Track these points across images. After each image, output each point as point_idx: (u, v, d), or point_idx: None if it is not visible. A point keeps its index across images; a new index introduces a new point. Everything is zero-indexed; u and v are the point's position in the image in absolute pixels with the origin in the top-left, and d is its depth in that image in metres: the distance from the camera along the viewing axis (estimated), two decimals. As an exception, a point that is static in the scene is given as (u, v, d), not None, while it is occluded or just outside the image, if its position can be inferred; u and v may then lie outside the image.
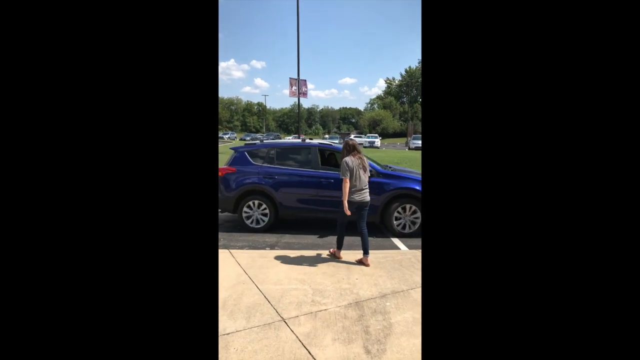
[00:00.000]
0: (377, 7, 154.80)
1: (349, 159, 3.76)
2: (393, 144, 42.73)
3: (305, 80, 18.06)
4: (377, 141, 34.75)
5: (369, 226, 4.09)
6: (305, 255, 4.21)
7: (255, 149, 5.72)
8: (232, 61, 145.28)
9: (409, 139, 34.21)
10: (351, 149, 3.86)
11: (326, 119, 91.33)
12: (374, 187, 5.26)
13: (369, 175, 3.91)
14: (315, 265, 3.83)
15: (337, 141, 7.89)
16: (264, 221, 5.53)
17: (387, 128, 61.47)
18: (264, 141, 6.07)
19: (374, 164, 5.56)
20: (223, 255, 4.15)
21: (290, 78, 17.24)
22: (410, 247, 4.85)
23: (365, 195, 3.82)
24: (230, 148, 6.18)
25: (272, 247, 4.77)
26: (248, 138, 40.98)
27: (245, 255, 4.16)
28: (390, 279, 3.48)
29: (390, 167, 6.06)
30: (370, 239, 5.06)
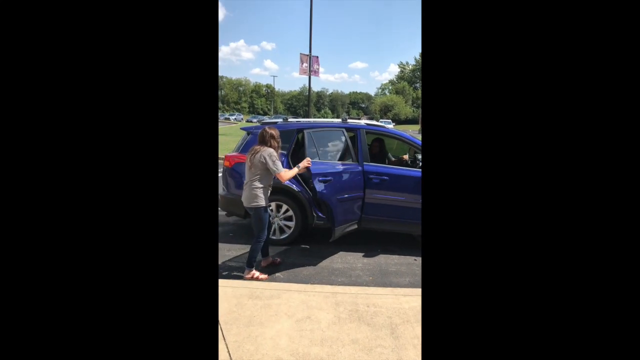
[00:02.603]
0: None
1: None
2: (405, 130, 40.75)
3: (317, 57, 16.36)
4: (391, 126, 33.30)
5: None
6: (320, 294, 2.73)
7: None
8: (241, 42, 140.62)
9: None
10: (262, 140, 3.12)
11: (335, 103, 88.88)
12: (419, 186, 3.71)
13: (257, 173, 3.06)
14: (338, 319, 2.35)
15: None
16: (289, 230, 3.91)
17: (399, 114, 59.18)
18: (289, 120, 4.31)
19: None
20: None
21: (301, 54, 15.56)
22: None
23: (245, 196, 3.10)
24: (242, 129, 4.45)
25: (269, 272, 3.27)
26: (255, 120, 38.89)
27: (226, 293, 2.66)
28: None
29: None
30: (395, 257, 3.57)
